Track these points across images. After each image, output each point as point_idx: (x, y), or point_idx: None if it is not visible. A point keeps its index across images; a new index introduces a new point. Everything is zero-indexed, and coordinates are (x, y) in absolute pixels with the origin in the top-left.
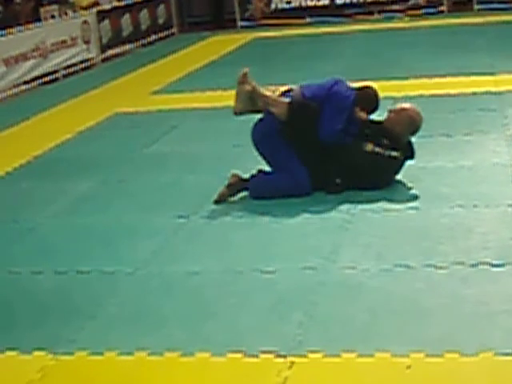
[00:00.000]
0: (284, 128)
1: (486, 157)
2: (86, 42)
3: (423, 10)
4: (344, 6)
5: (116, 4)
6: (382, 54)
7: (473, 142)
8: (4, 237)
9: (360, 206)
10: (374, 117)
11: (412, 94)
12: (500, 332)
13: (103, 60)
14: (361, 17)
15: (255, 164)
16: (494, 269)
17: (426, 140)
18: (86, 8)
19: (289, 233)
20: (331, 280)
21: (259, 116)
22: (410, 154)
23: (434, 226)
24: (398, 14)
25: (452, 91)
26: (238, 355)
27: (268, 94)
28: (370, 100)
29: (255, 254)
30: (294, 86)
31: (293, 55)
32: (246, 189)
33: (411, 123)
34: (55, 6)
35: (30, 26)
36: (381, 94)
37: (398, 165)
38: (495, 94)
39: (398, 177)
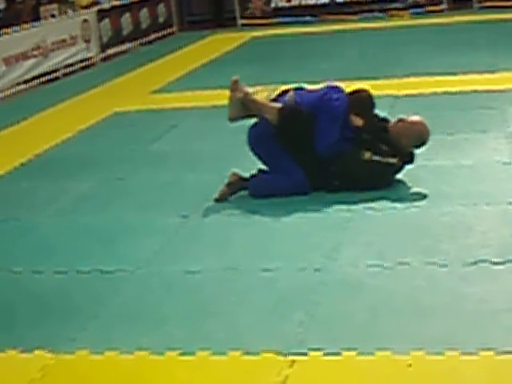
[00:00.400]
0: (278, 133)
1: (487, 155)
2: (86, 41)
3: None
4: (344, 4)
5: (116, 3)
6: (383, 52)
7: (473, 140)
8: (5, 236)
9: (360, 205)
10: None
11: (412, 92)
12: (501, 330)
13: (103, 59)
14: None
15: (255, 163)
16: (495, 267)
17: None
18: (85, 7)
19: (289, 231)
20: (332, 279)
21: (255, 120)
22: (408, 159)
23: (435, 225)
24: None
25: (452, 89)
26: (239, 354)
27: (259, 99)
28: (363, 104)
29: (256, 253)
30: (292, 87)
31: (293, 54)
32: (246, 188)
33: (419, 138)
34: (55, 5)
35: (30, 24)
36: (381, 93)
37: (396, 170)
38: (496, 92)
39: (398, 176)
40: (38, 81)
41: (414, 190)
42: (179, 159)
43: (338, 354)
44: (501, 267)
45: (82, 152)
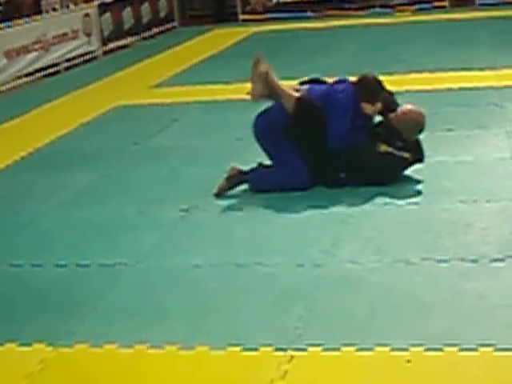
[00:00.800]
0: (290, 123)
1: (487, 151)
2: (88, 35)
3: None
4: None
5: None
6: (384, 48)
7: (474, 137)
8: (4, 229)
9: (361, 201)
10: None
11: (413, 88)
12: (500, 326)
13: (104, 53)
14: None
15: (256, 157)
16: (494, 263)
17: (426, 135)
18: (87, 1)
19: (289, 226)
20: (331, 274)
21: (261, 108)
22: (420, 157)
23: (435, 221)
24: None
25: (453, 86)
26: (238, 348)
27: (279, 84)
28: (371, 89)
29: (256, 248)
30: (308, 78)
31: (294, 49)
32: (245, 181)
33: (415, 125)
34: None
35: (32, 18)
36: None
37: (407, 165)
38: (497, 88)
39: None
40: (39, 74)
41: (414, 186)
42: (180, 153)
43: (337, 349)
44: (500, 264)
45: (82, 146)
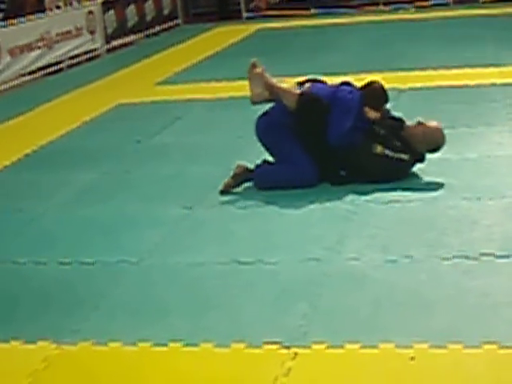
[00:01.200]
0: (293, 120)
1: (491, 149)
2: (91, 33)
3: (431, 1)
4: None
5: None
6: (388, 45)
7: (478, 134)
8: (7, 227)
9: (365, 198)
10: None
11: (417, 85)
12: (504, 324)
13: (108, 50)
14: (367, 8)
15: (259, 155)
16: (499, 260)
17: None
18: None
19: (293, 223)
20: (335, 271)
21: (264, 108)
22: (420, 157)
23: (439, 218)
24: (406, 5)
25: (457, 83)
26: (242, 346)
27: (278, 84)
28: (377, 96)
29: (259, 245)
30: (307, 78)
31: (298, 47)
32: (251, 179)
33: (435, 144)
34: None
35: (35, 16)
36: (386, 86)
37: (407, 167)
38: (500, 85)
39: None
40: (43, 72)
41: (419, 183)
42: (183, 151)
43: (340, 346)
44: (505, 261)
45: (85, 144)
